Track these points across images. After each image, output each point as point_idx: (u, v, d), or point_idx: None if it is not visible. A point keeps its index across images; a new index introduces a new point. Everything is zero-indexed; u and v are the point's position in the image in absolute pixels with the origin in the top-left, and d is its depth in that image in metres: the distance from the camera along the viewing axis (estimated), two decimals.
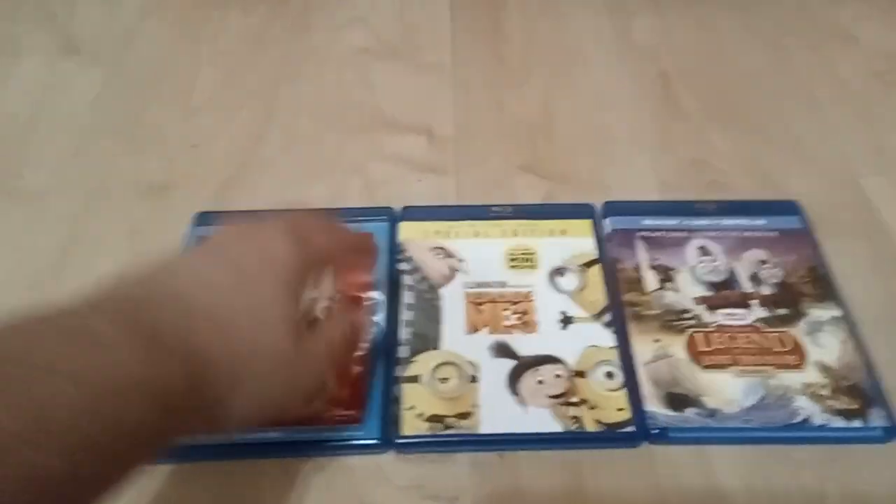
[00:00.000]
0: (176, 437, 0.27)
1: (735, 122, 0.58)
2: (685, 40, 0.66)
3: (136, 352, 0.24)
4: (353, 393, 0.40)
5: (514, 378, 0.41)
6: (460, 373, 0.41)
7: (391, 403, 0.39)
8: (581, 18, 0.69)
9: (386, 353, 0.42)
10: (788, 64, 0.64)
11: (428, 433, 0.38)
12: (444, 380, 0.41)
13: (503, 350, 0.42)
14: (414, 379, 0.41)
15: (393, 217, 0.49)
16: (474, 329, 0.43)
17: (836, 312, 0.44)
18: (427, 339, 0.43)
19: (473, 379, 0.41)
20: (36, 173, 0.54)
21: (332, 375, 0.37)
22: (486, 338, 0.43)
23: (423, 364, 0.41)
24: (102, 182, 0.53)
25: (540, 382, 0.41)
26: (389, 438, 0.38)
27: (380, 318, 0.43)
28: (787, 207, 0.50)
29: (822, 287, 0.45)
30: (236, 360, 0.28)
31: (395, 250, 0.47)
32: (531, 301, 0.44)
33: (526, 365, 0.41)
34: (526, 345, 0.42)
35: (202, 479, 0.38)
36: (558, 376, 0.41)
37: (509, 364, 0.42)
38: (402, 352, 0.42)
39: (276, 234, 0.32)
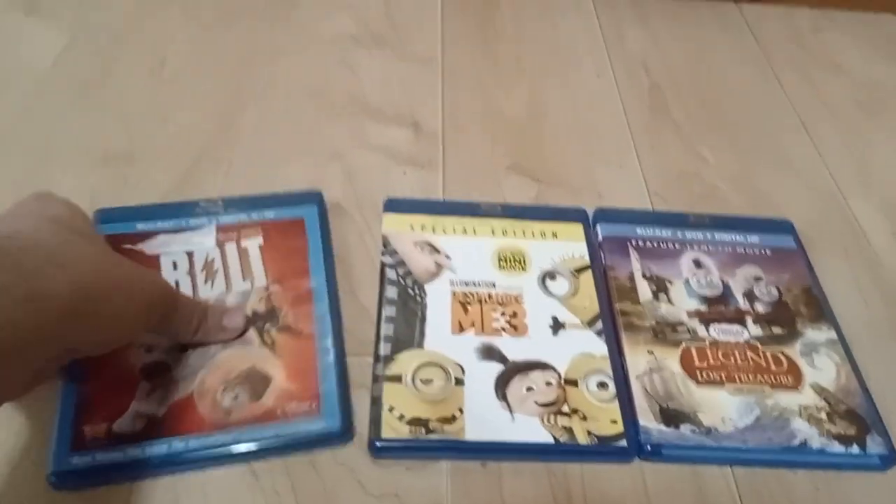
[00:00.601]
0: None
1: (724, 137, 0.57)
2: (676, 55, 0.65)
3: None
4: (308, 385, 0.37)
5: (502, 383, 0.38)
6: (445, 374, 0.38)
7: (347, 391, 0.37)
8: (574, 26, 0.67)
9: (336, 341, 0.39)
10: (776, 86, 0.64)
11: (409, 437, 0.35)
12: (427, 381, 0.38)
13: (491, 353, 0.39)
14: (395, 378, 0.37)
15: (321, 203, 0.45)
16: (460, 329, 0.40)
17: (832, 334, 0.43)
18: (410, 338, 0.39)
19: (458, 381, 0.38)
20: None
21: (166, 315, 0.34)
22: (472, 339, 0.40)
23: (404, 363, 0.38)
24: (52, 143, 0.49)
25: (529, 389, 0.38)
26: (349, 429, 0.36)
27: (321, 305, 0.40)
28: (780, 226, 0.49)
29: (817, 308, 0.44)
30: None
31: (326, 236, 0.44)
32: (521, 304, 0.42)
33: (515, 370, 0.39)
34: (515, 349, 0.40)
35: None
36: (549, 384, 0.38)
37: (497, 368, 0.39)
38: (383, 349, 0.39)
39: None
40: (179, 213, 0.43)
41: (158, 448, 0.33)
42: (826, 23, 0.72)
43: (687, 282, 0.45)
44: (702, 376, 0.40)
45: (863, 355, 0.42)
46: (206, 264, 0.41)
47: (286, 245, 0.42)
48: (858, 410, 0.39)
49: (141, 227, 0.41)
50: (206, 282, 0.40)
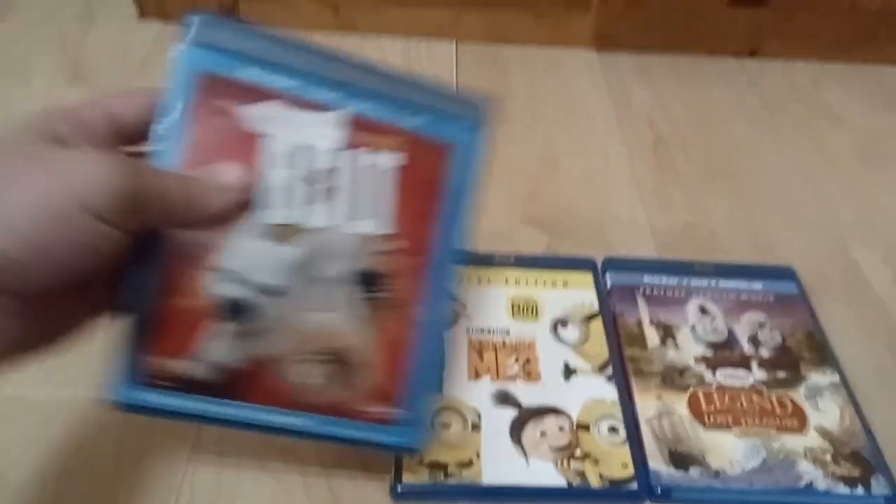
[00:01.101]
0: None
1: (728, 188, 0.60)
2: (680, 110, 0.69)
3: None
4: (396, 386, 0.31)
5: (517, 428, 0.40)
6: (462, 419, 0.40)
7: (430, 404, 0.33)
8: (582, 83, 0.71)
9: (437, 340, 0.33)
10: (778, 138, 0.66)
11: (428, 482, 0.37)
12: (446, 426, 0.40)
13: (506, 398, 0.41)
14: None
15: (480, 128, 0.33)
16: (476, 375, 0.42)
17: (835, 378, 0.44)
18: None
19: (475, 427, 0.40)
20: None
21: (132, 202, 0.25)
22: (488, 385, 0.42)
23: None
24: None
25: (543, 434, 0.40)
26: (419, 445, 0.33)
27: (438, 281, 0.32)
28: (783, 273, 0.51)
29: (820, 352, 0.46)
30: None
31: (473, 174, 0.33)
32: (534, 350, 0.44)
33: (529, 415, 0.41)
34: (529, 394, 0.42)
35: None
36: (561, 428, 0.40)
37: (512, 413, 0.41)
38: None
39: None
40: (304, 71, 0.30)
41: (228, 409, 0.30)
42: (825, 76, 0.75)
43: (693, 328, 0.47)
44: (709, 420, 0.42)
45: (866, 398, 0.43)
46: (321, 174, 0.30)
47: (427, 178, 0.32)
48: (863, 452, 0.41)
49: (251, 73, 0.29)
50: (313, 201, 0.30)
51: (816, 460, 0.40)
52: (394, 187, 0.31)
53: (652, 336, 0.46)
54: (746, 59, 0.76)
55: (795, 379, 0.44)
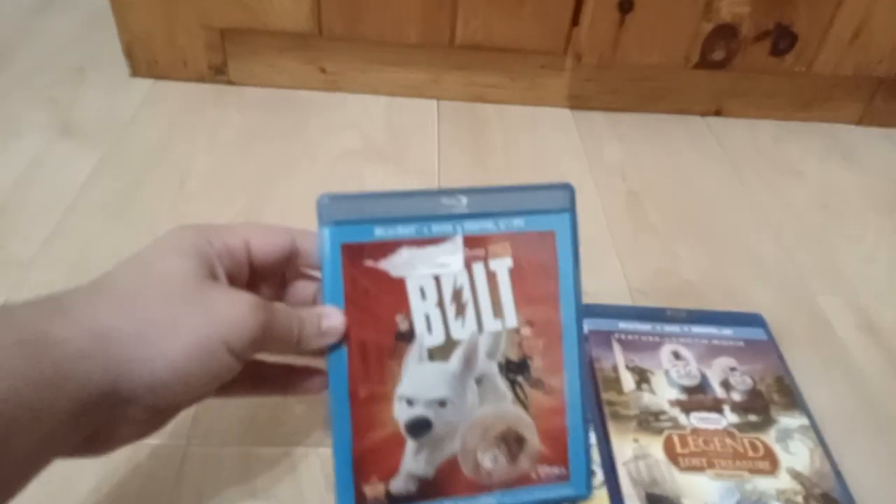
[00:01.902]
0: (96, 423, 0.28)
1: (697, 238, 0.63)
2: (650, 165, 0.72)
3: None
4: (559, 448, 0.38)
5: None
6: None
7: (590, 454, 0.39)
8: (557, 138, 0.74)
9: (582, 397, 0.38)
10: (743, 191, 0.70)
11: None
12: None
13: None
14: None
15: (573, 209, 0.39)
16: None
17: (804, 421, 0.46)
18: None
19: None
20: (21, 245, 0.54)
21: (257, 341, 0.31)
22: None
23: None
24: (83, 257, 0.53)
25: None
26: (589, 491, 0.39)
27: (571, 350, 0.38)
28: (752, 319, 0.53)
29: (789, 396, 0.48)
30: (108, 306, 0.28)
31: (576, 254, 0.39)
32: None
33: None
34: None
35: None
36: None
37: None
38: None
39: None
40: (420, 211, 0.36)
41: None
42: (785, 133, 0.79)
43: (667, 372, 0.48)
44: (684, 462, 0.43)
45: (834, 440, 0.45)
46: (454, 294, 0.36)
47: (537, 267, 0.37)
48: (833, 493, 0.42)
49: (380, 232, 0.35)
50: (456, 318, 0.36)
51: (788, 501, 0.41)
52: (510, 285, 0.37)
53: (628, 380, 0.47)
54: (712, 118, 0.81)
55: (766, 422, 0.46)
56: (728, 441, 0.44)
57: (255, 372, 0.36)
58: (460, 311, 0.36)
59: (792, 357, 0.51)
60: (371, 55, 0.75)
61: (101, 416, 0.28)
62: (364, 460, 0.35)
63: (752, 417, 0.46)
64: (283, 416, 0.44)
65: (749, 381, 0.48)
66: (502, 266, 0.37)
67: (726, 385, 0.48)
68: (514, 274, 0.37)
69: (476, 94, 0.78)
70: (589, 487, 0.38)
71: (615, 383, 0.47)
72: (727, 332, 0.52)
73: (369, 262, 0.35)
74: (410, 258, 0.36)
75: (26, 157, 0.63)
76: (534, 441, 0.37)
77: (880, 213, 0.68)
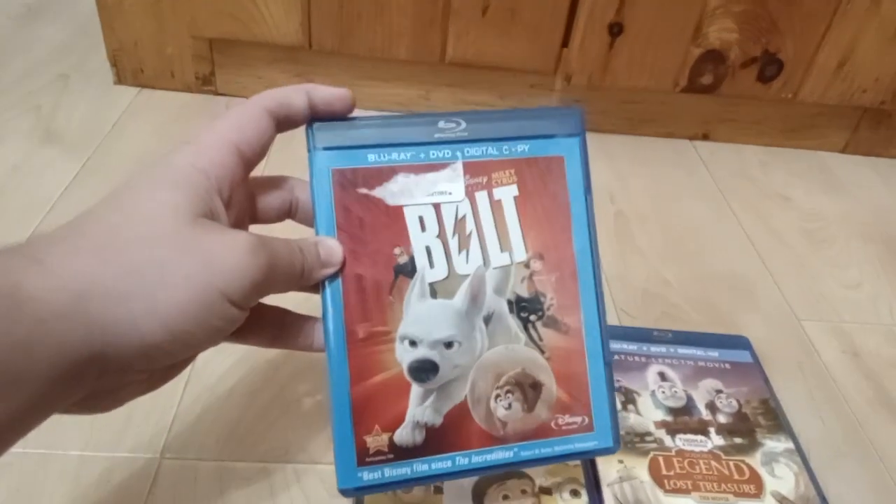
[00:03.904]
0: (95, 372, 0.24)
1: (684, 260, 0.63)
2: (638, 187, 0.72)
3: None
4: (580, 395, 0.34)
5: (480, 491, 0.40)
6: None
7: (614, 401, 0.34)
8: None
9: (602, 337, 0.34)
10: (729, 214, 0.70)
11: None
12: (408, 488, 0.39)
13: None
14: None
15: (582, 134, 0.35)
16: None
17: (789, 444, 0.45)
18: None
19: (438, 489, 0.39)
20: None
21: (266, 284, 0.28)
22: None
23: None
24: None
25: (506, 497, 0.40)
26: (619, 443, 0.34)
27: (587, 284, 0.34)
28: (738, 342, 0.53)
29: (775, 419, 0.47)
30: (89, 254, 0.25)
31: (587, 179, 0.35)
32: None
33: (492, 478, 0.41)
34: None
35: None
36: (524, 492, 0.40)
37: (474, 476, 0.41)
38: None
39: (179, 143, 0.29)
40: (416, 135, 0.33)
41: (442, 465, 0.32)
42: (771, 158, 0.80)
43: (653, 393, 0.48)
44: (669, 485, 0.42)
45: (819, 464, 0.44)
46: (456, 224, 0.33)
47: (545, 196, 0.34)
48: None
49: (373, 157, 0.32)
50: (460, 251, 0.33)
51: None
52: (517, 215, 0.33)
53: None
54: (699, 142, 0.81)
55: (752, 445, 0.45)
56: (713, 463, 0.44)
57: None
58: (464, 243, 0.33)
59: (777, 381, 0.50)
60: (360, 70, 0.75)
61: (91, 381, 0.24)
62: (365, 408, 0.31)
63: (738, 440, 0.45)
64: (261, 430, 0.42)
65: (735, 404, 0.48)
66: (507, 194, 0.33)
67: (712, 407, 0.47)
68: (521, 202, 0.33)
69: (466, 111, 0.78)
70: (617, 440, 0.34)
71: None
72: (713, 354, 0.52)
73: (363, 190, 0.32)
74: (407, 185, 0.32)
75: (7, 163, 0.62)
76: (551, 386, 0.33)
77: (865, 240, 0.69)
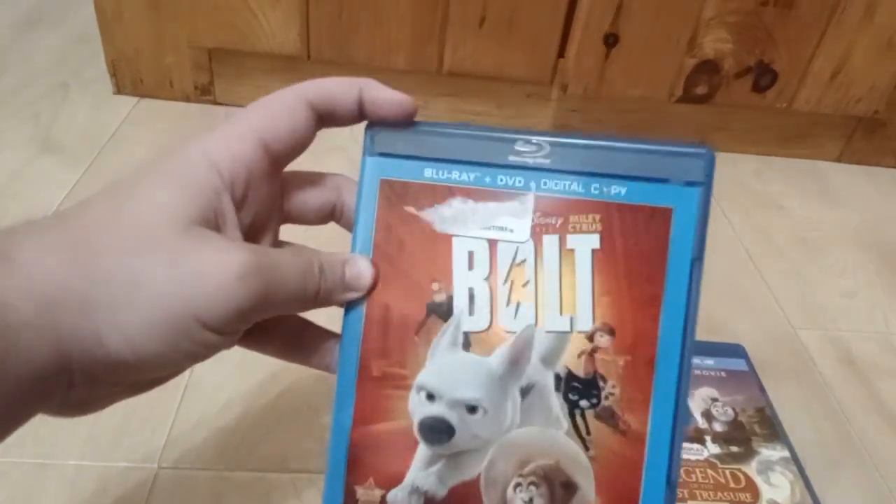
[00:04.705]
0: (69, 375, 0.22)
1: None
2: None
3: None
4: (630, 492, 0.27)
5: None
6: None
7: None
8: None
9: (673, 451, 0.26)
10: (725, 223, 0.70)
11: None
12: None
13: None
14: None
15: (707, 186, 0.27)
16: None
17: (785, 453, 0.46)
18: None
19: None
20: None
21: (256, 309, 0.24)
22: None
23: None
24: None
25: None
26: None
27: (667, 381, 0.26)
28: (733, 350, 0.53)
29: (770, 427, 0.47)
30: (62, 254, 0.22)
31: (701, 243, 0.27)
32: None
33: None
34: None
35: None
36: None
37: None
38: None
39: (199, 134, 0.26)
40: (486, 153, 0.27)
41: None
42: (766, 168, 0.80)
43: None
44: None
45: (815, 472, 0.45)
46: (512, 268, 0.27)
47: (635, 255, 0.27)
48: None
49: (430, 173, 0.28)
50: (509, 303, 0.27)
51: None
52: (592, 272, 0.27)
53: None
54: None
55: (748, 454, 0.45)
56: (709, 472, 0.44)
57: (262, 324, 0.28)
58: (516, 293, 0.27)
59: (773, 389, 0.50)
60: None
61: (60, 392, 0.23)
62: (362, 455, 0.27)
63: (734, 449, 0.46)
64: (259, 439, 0.42)
65: (731, 412, 0.48)
66: (585, 245, 0.27)
67: (708, 416, 0.48)
68: (600, 258, 0.27)
69: (463, 121, 0.79)
70: None
71: None
72: (709, 362, 0.52)
73: (410, 209, 0.27)
74: (463, 212, 0.27)
75: (5, 172, 0.62)
76: (588, 492, 0.27)
77: (860, 248, 0.69)
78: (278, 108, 0.27)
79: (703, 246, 0.26)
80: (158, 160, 0.25)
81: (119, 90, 0.76)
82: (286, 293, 0.25)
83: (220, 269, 0.23)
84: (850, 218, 0.74)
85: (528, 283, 0.27)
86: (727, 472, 0.44)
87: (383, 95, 0.27)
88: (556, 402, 0.27)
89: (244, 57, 0.73)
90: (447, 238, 0.27)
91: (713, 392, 0.49)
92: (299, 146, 0.27)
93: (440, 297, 0.27)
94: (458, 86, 0.76)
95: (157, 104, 0.75)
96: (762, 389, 0.50)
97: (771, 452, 0.46)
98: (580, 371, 0.27)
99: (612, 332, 0.27)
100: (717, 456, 0.45)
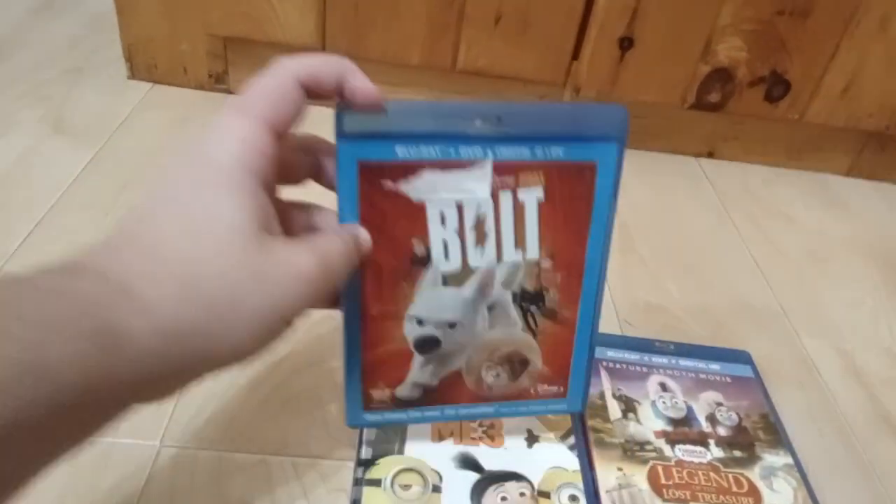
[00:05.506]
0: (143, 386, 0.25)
1: (687, 274, 0.63)
2: (641, 199, 0.72)
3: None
4: (561, 370, 0.39)
5: (478, 492, 0.40)
6: (423, 481, 0.40)
7: (589, 375, 0.39)
8: None
9: (593, 328, 0.38)
10: (733, 230, 0.70)
11: None
12: (406, 486, 0.39)
13: (468, 462, 0.41)
14: (374, 482, 0.39)
15: (621, 140, 0.35)
16: (440, 437, 0.42)
17: (788, 459, 0.45)
18: (391, 443, 0.41)
19: (436, 489, 0.39)
20: (2, 238, 0.53)
21: (323, 295, 0.29)
22: (451, 447, 0.42)
23: (385, 467, 0.40)
24: (67, 253, 0.52)
25: (503, 499, 0.40)
26: (585, 406, 0.40)
27: (590, 284, 0.36)
28: (739, 356, 0.53)
29: (774, 434, 0.47)
30: (173, 288, 0.25)
31: (615, 188, 0.36)
32: None
33: (490, 479, 0.40)
34: (491, 458, 0.42)
35: None
36: (522, 495, 0.40)
37: (473, 477, 0.40)
38: (364, 453, 0.41)
39: (214, 127, 0.28)
40: (448, 132, 0.32)
41: (433, 413, 0.38)
42: (775, 178, 0.80)
43: (654, 403, 0.48)
44: (668, 494, 0.42)
45: (818, 480, 0.44)
46: (477, 222, 0.34)
47: (569, 202, 0.34)
48: None
49: (402, 152, 0.32)
50: (475, 246, 0.34)
51: None
52: (538, 218, 0.34)
53: (614, 409, 0.47)
54: (704, 159, 0.82)
55: (751, 459, 0.45)
56: (712, 475, 0.43)
57: None
58: (480, 239, 0.34)
59: (777, 396, 0.50)
60: (372, 74, 0.74)
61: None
62: (373, 369, 0.36)
63: (737, 453, 0.45)
64: (262, 422, 0.42)
65: (735, 417, 0.48)
66: (531, 197, 0.34)
67: (712, 419, 0.47)
68: (544, 207, 0.34)
69: None
70: (584, 404, 0.39)
71: (602, 411, 0.46)
72: (714, 367, 0.52)
73: (388, 184, 0.32)
74: (433, 182, 0.32)
75: (16, 153, 0.62)
76: (537, 363, 0.38)
77: (867, 261, 0.69)
78: (279, 94, 0.28)
79: (617, 187, 0.35)
80: (193, 171, 0.27)
81: (133, 75, 0.76)
82: (340, 278, 0.30)
83: (296, 279, 0.27)
84: (858, 231, 0.74)
85: (488, 231, 0.34)
86: (730, 476, 0.44)
87: (360, 85, 0.30)
88: (514, 311, 0.36)
89: (259, 47, 0.73)
90: (422, 204, 0.33)
91: (718, 396, 0.49)
92: (295, 125, 0.30)
93: (420, 251, 0.34)
94: (471, 84, 0.76)
95: (171, 90, 0.76)
96: (767, 396, 0.50)
97: (774, 458, 0.45)
98: (530, 287, 0.36)
99: (552, 257, 0.35)
100: (720, 460, 0.45)
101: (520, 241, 0.34)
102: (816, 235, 0.72)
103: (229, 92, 0.76)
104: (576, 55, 0.73)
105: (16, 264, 0.51)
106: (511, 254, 0.35)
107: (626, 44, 0.71)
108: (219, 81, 0.76)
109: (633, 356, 0.51)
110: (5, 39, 0.80)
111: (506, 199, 0.33)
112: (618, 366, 0.50)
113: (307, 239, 0.29)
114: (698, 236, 0.68)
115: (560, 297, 0.36)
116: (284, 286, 0.27)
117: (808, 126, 0.78)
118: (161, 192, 0.27)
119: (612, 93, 0.74)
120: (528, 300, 0.36)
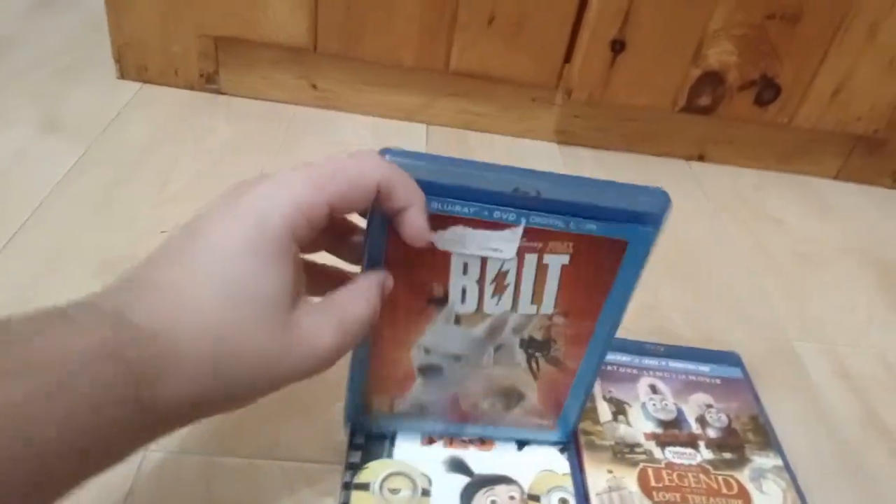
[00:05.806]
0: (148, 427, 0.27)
1: (678, 278, 0.63)
2: None
3: (101, 328, 0.24)
4: (555, 409, 0.41)
5: (468, 496, 0.39)
6: (412, 485, 0.39)
7: (580, 414, 0.42)
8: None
9: (592, 379, 0.40)
10: (725, 236, 0.71)
11: None
12: (395, 490, 0.39)
13: (458, 466, 0.41)
14: (363, 486, 0.39)
15: (656, 223, 0.34)
16: (429, 441, 0.42)
17: (778, 461, 0.45)
18: (380, 447, 0.41)
19: (425, 492, 0.39)
20: None
21: (337, 356, 0.30)
22: (441, 451, 0.42)
23: (374, 471, 0.40)
24: (58, 254, 0.52)
25: (493, 503, 0.39)
26: (571, 439, 0.43)
27: (596, 347, 0.38)
28: (729, 358, 0.53)
29: (764, 436, 0.47)
30: (200, 343, 0.26)
31: (639, 271, 0.35)
32: None
33: (480, 483, 0.40)
34: (481, 462, 0.41)
35: None
36: (512, 498, 0.40)
37: (463, 481, 0.40)
38: (353, 457, 0.40)
39: (275, 179, 0.28)
40: (488, 191, 0.31)
41: (425, 426, 0.42)
42: (765, 182, 0.81)
43: (644, 405, 0.48)
44: (658, 496, 0.42)
45: (807, 482, 0.44)
46: (497, 275, 0.34)
47: (593, 270, 0.35)
48: None
49: (436, 206, 0.31)
50: (492, 296, 0.35)
51: None
52: (558, 281, 0.35)
53: (604, 411, 0.47)
54: (695, 163, 0.82)
55: (741, 460, 0.45)
56: (702, 477, 0.44)
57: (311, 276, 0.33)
58: (499, 290, 0.35)
59: (767, 398, 0.50)
60: (364, 75, 0.75)
61: None
62: (376, 380, 0.38)
63: (727, 455, 0.45)
64: (250, 426, 0.42)
65: (724, 419, 0.48)
66: (556, 262, 0.34)
67: (702, 421, 0.48)
68: (567, 272, 0.34)
69: (466, 121, 0.79)
70: (568, 437, 0.42)
71: (592, 413, 0.46)
72: (704, 368, 0.52)
73: None
74: (462, 236, 0.32)
75: (11, 148, 0.62)
76: (532, 399, 0.40)
77: (857, 265, 0.69)
78: (354, 185, 0.29)
79: (642, 270, 0.35)
80: (237, 223, 0.27)
81: (123, 75, 0.75)
82: (357, 340, 0.31)
83: (316, 357, 0.29)
84: (847, 234, 0.74)
85: (508, 285, 0.35)
86: (720, 478, 0.44)
87: (417, 224, 0.30)
88: (519, 354, 0.38)
89: (251, 47, 0.73)
90: (447, 254, 0.33)
91: (708, 398, 0.49)
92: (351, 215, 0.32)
93: (438, 293, 0.35)
94: (464, 86, 0.76)
95: (161, 90, 0.75)
96: (756, 398, 0.50)
97: (764, 460, 0.45)
98: (539, 336, 0.37)
99: (566, 315, 0.37)
100: (709, 461, 0.45)
101: (537, 298, 0.35)
102: (806, 239, 0.72)
103: (220, 93, 0.76)
104: (568, 58, 0.73)
105: (5, 260, 0.50)
106: (526, 307, 0.36)
107: (617, 47, 0.71)
108: (210, 81, 0.76)
109: (623, 358, 0.51)
110: (1, 37, 0.80)
111: (530, 260, 0.34)
112: (608, 368, 0.50)
113: (331, 302, 0.30)
114: (689, 240, 0.69)
115: (565, 348, 0.38)
116: (306, 361, 0.29)
117: (797, 130, 0.79)
118: (205, 239, 0.27)
119: (604, 95, 0.74)
120: (535, 347, 0.38)
